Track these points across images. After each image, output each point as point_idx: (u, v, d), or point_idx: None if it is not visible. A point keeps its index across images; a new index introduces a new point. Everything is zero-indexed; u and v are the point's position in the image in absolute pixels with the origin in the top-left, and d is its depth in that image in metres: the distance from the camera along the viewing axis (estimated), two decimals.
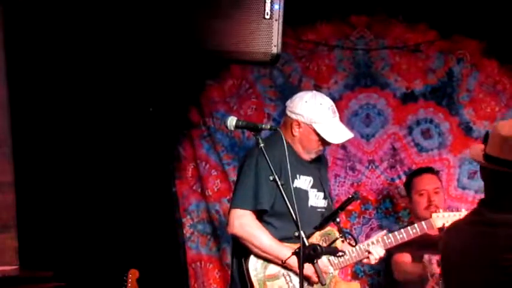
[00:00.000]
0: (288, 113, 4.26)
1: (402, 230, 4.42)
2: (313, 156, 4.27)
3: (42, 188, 4.96)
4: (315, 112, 4.17)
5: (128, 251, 5.07)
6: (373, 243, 4.27)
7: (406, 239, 4.41)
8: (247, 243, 4.08)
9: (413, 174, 5.30)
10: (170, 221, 5.47)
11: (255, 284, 4.05)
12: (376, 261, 4.30)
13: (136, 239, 5.18)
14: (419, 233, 4.48)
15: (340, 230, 4.10)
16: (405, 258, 5.02)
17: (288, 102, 4.31)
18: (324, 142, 4.22)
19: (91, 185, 5.12)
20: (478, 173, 5.58)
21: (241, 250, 4.14)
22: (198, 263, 5.53)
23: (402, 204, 5.55)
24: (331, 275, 4.20)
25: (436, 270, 4.82)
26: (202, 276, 5.51)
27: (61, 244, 4.94)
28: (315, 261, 3.55)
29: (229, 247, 5.41)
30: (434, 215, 4.61)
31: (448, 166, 5.60)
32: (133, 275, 4.60)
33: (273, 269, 4.08)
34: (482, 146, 2.98)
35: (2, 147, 4.58)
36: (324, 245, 4.12)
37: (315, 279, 3.98)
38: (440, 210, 4.73)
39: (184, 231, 5.51)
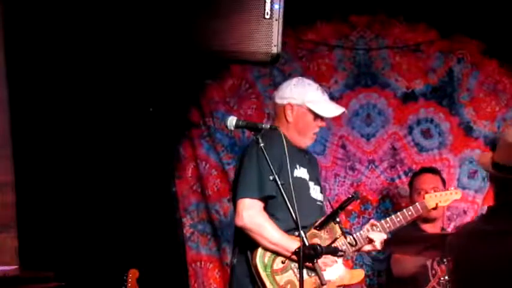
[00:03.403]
0: (278, 101, 4.24)
1: (399, 213, 4.43)
2: (308, 142, 4.25)
3: (42, 188, 4.96)
4: (306, 92, 4.19)
5: (128, 251, 5.07)
6: (368, 230, 4.26)
7: (403, 222, 4.42)
8: (256, 235, 4.04)
9: (414, 174, 5.31)
10: (170, 221, 5.47)
11: (264, 278, 4.02)
12: (382, 245, 4.29)
13: (137, 239, 5.18)
14: (415, 215, 4.51)
15: (341, 230, 4.10)
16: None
17: (275, 93, 4.31)
18: (319, 121, 4.21)
19: (91, 185, 5.12)
20: (478, 173, 5.64)
21: (246, 246, 4.09)
22: (198, 263, 5.53)
23: (402, 204, 5.55)
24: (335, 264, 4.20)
25: (437, 270, 4.82)
26: (202, 276, 5.51)
27: (61, 244, 4.94)
28: (315, 261, 3.54)
29: (229, 247, 5.41)
30: (427, 196, 4.67)
31: (448, 166, 5.60)
32: (133, 275, 4.60)
33: (281, 262, 4.07)
34: (491, 154, 2.97)
35: (2, 147, 4.59)
36: (324, 236, 4.12)
37: (324, 268, 3.97)
38: (432, 191, 4.76)
39: (185, 231, 5.51)
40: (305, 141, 4.25)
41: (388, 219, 4.37)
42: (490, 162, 2.92)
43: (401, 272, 5.04)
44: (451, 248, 3.08)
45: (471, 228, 3.13)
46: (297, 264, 4.00)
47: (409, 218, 4.46)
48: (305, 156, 4.29)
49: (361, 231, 4.26)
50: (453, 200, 4.74)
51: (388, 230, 4.33)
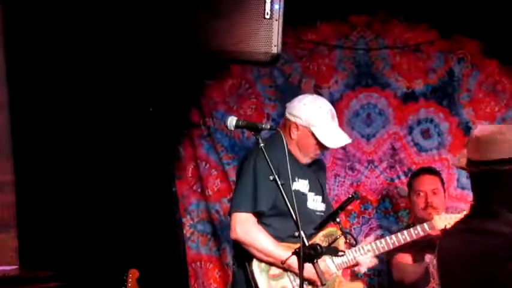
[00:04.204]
0: (287, 115, 4.25)
1: (405, 231, 4.43)
2: (308, 160, 4.26)
3: (42, 188, 4.95)
4: (314, 115, 4.16)
5: (128, 251, 5.07)
6: (369, 250, 4.26)
7: (408, 240, 4.42)
8: (249, 248, 4.06)
9: (413, 175, 5.30)
10: (170, 221, 5.47)
11: (260, 283, 4.04)
12: (365, 270, 4.32)
13: (136, 239, 5.18)
14: (421, 234, 4.50)
15: (340, 230, 4.10)
16: (405, 259, 5.02)
17: (288, 104, 4.30)
18: (321, 146, 4.21)
19: (91, 185, 5.12)
20: None
21: (244, 252, 4.13)
22: (198, 263, 5.53)
23: (402, 204, 5.55)
24: (334, 275, 4.20)
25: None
26: (202, 276, 5.51)
27: (61, 244, 4.94)
28: (315, 261, 3.54)
29: (229, 247, 5.41)
30: (436, 216, 4.63)
31: (447, 166, 5.59)
32: (133, 275, 4.60)
33: (277, 269, 4.08)
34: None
35: (2, 147, 4.59)
36: (326, 244, 4.13)
37: (317, 280, 3.99)
38: (443, 213, 4.74)
39: (184, 231, 5.51)
40: (305, 159, 4.25)
41: (393, 236, 4.37)
42: (465, 160, 2.96)
43: (400, 277, 5.04)
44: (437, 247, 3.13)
45: (452, 227, 3.17)
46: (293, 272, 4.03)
47: (415, 237, 4.45)
48: (308, 167, 4.29)
49: (365, 246, 4.25)
50: None
51: (392, 246, 4.33)
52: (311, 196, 4.25)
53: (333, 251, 3.84)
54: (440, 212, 4.92)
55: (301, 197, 4.17)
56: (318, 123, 4.16)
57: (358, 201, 5.48)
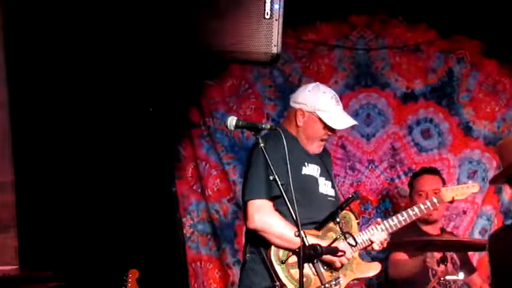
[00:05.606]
0: (292, 104, 4.25)
1: (415, 207, 4.41)
2: (315, 149, 4.25)
3: (42, 188, 4.95)
4: (318, 100, 4.17)
5: (128, 251, 5.07)
6: (383, 229, 4.24)
7: (419, 215, 4.40)
8: (267, 235, 4.00)
9: (414, 175, 5.30)
10: (170, 221, 5.47)
11: (279, 272, 3.99)
12: (380, 246, 4.28)
13: (137, 239, 5.18)
14: (431, 209, 4.50)
15: (340, 230, 4.09)
16: (401, 256, 5.03)
17: (292, 94, 4.31)
18: (328, 130, 4.21)
19: (91, 185, 5.12)
20: (478, 173, 5.65)
21: (259, 242, 4.08)
22: (198, 263, 5.53)
23: (402, 204, 5.55)
24: (351, 257, 4.17)
25: (438, 270, 4.81)
26: (202, 276, 5.52)
27: (61, 244, 4.94)
28: (315, 261, 3.54)
29: (229, 247, 5.42)
30: (443, 189, 4.66)
31: (448, 166, 5.60)
32: (133, 275, 4.60)
33: (295, 256, 4.04)
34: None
35: (2, 147, 4.59)
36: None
37: (338, 264, 4.00)
38: (449, 184, 4.74)
39: (184, 231, 5.52)
40: (312, 148, 4.24)
41: (404, 212, 4.34)
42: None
43: (398, 274, 5.04)
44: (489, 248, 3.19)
45: (501, 228, 3.25)
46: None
47: (425, 212, 4.45)
48: (316, 154, 4.29)
49: (366, 231, 4.24)
50: (471, 193, 4.71)
51: (404, 223, 4.31)
52: (322, 181, 4.24)
53: (333, 251, 3.82)
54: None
55: (313, 181, 4.17)
56: (324, 107, 4.17)
57: (358, 201, 5.49)
